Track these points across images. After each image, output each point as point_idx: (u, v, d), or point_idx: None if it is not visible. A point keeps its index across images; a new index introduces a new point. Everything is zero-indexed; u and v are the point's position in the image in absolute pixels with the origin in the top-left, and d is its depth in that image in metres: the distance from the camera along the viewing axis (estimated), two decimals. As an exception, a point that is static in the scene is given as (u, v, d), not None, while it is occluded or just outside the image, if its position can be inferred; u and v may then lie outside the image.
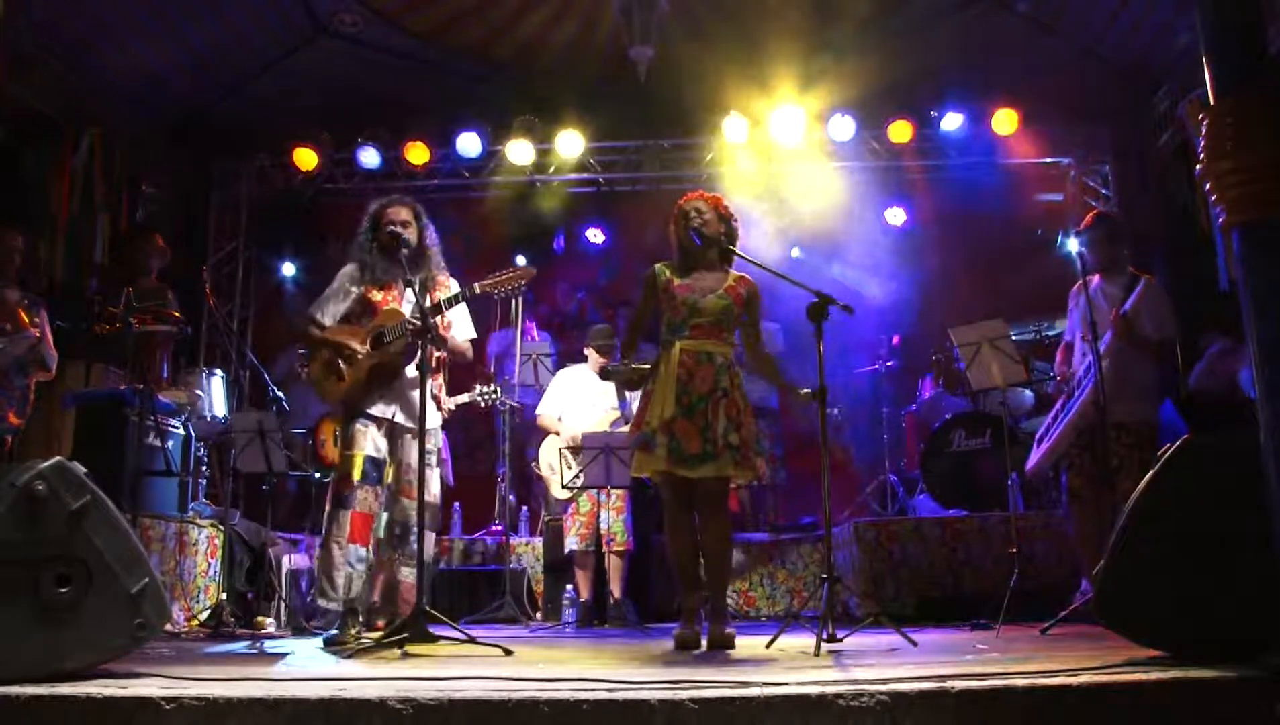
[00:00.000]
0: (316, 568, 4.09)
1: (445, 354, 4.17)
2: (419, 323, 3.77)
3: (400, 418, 4.06)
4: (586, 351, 6.03)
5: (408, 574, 3.97)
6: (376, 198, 4.41)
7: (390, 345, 3.98)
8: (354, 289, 4.14)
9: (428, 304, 3.91)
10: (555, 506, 5.98)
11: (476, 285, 4.00)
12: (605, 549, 5.56)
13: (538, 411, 6.00)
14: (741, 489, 7.03)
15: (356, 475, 3.93)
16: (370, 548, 3.98)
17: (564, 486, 5.55)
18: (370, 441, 3.99)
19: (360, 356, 4.01)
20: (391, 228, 4.08)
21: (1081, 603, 3.91)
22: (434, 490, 4.81)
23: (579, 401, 5.85)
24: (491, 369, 7.56)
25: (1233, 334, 5.92)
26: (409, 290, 4.10)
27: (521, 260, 8.80)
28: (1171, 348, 4.60)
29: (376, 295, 4.11)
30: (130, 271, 6.25)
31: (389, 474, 4.06)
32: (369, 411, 4.01)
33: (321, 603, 3.92)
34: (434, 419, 4.13)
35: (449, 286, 4.18)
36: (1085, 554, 4.48)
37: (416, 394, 3.94)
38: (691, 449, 3.50)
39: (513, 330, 7.50)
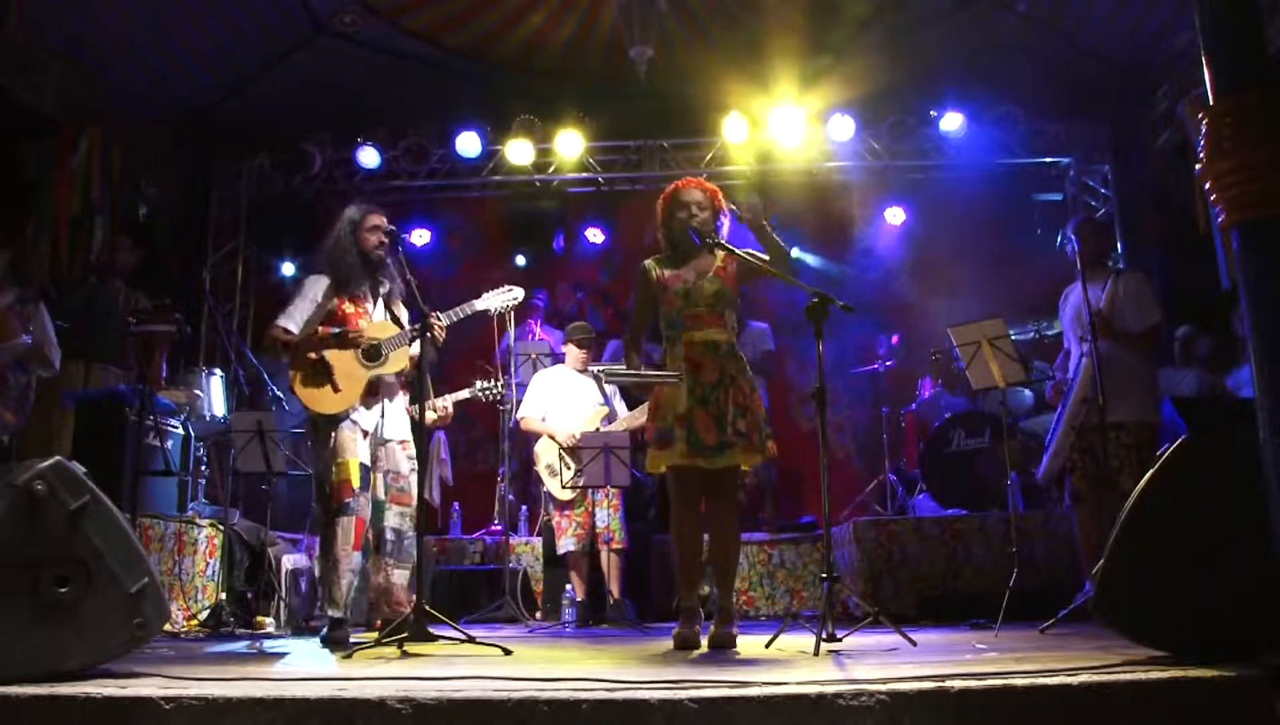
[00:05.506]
0: (320, 577, 4.06)
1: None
2: (419, 330, 3.81)
3: (386, 432, 4.07)
4: (564, 348, 6.01)
5: (400, 577, 3.98)
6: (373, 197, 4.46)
7: (388, 360, 4.02)
8: (324, 301, 4.09)
9: (393, 313, 4.15)
10: (554, 506, 5.96)
11: (476, 303, 4.25)
12: (603, 547, 5.54)
13: (519, 415, 5.90)
14: (741, 490, 7.01)
15: (355, 482, 3.92)
16: (362, 551, 3.99)
17: (564, 486, 5.53)
18: (359, 446, 3.98)
19: (363, 341, 4.01)
20: (379, 237, 4.09)
21: (1081, 602, 3.90)
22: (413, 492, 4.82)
23: (561, 400, 5.79)
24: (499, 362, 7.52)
25: (1198, 324, 6.01)
26: (379, 302, 4.19)
27: (521, 260, 8.83)
28: (1161, 336, 4.62)
29: (348, 307, 4.09)
30: (109, 273, 6.24)
31: (376, 483, 4.04)
32: (356, 420, 4.00)
33: (332, 612, 3.88)
34: (404, 431, 4.14)
35: (401, 310, 4.27)
36: (1086, 555, 4.48)
37: (401, 407, 4.12)
38: (710, 440, 3.53)
39: (520, 327, 7.49)
